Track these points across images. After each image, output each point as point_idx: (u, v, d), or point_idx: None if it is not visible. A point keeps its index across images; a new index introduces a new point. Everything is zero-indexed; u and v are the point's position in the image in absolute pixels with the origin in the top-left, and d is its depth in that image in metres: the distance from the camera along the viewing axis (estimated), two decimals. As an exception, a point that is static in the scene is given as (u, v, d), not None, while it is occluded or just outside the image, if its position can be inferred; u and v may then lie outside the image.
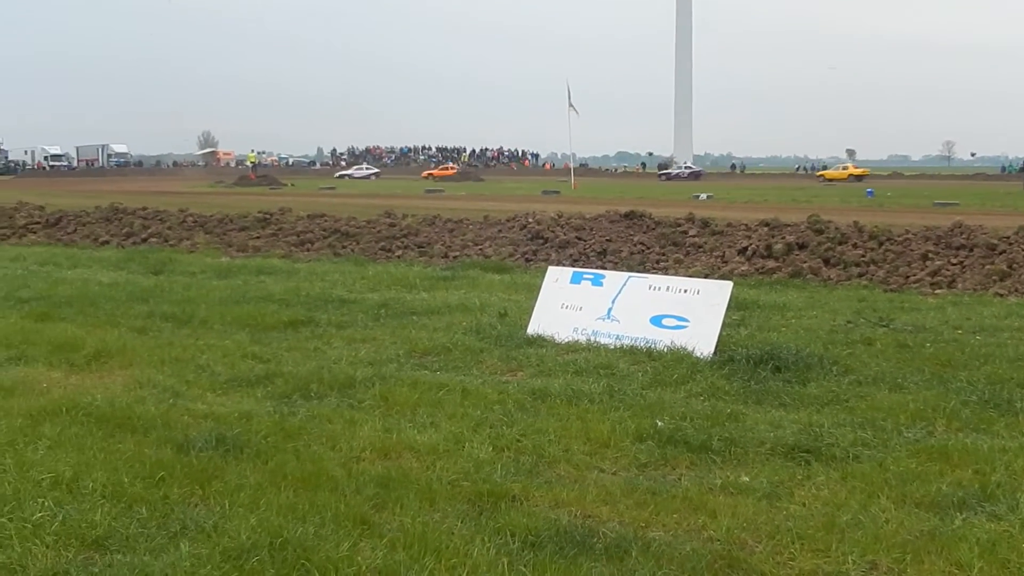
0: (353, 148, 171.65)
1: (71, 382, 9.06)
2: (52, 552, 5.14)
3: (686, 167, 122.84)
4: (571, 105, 74.18)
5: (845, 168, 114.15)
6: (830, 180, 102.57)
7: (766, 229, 19.49)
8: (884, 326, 11.52)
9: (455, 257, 19.75)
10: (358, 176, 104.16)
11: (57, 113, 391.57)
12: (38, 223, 27.14)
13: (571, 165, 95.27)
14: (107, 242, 23.77)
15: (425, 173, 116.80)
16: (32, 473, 6.27)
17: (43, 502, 5.73)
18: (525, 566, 4.97)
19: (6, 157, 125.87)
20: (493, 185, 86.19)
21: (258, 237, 23.39)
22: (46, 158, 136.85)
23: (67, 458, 6.57)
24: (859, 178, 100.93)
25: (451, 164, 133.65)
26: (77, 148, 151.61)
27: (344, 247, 21.57)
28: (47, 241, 24.51)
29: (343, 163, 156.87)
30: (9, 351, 10.21)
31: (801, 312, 12.70)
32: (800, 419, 7.59)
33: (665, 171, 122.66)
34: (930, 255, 17.15)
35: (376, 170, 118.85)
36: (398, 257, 20.13)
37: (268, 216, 25.62)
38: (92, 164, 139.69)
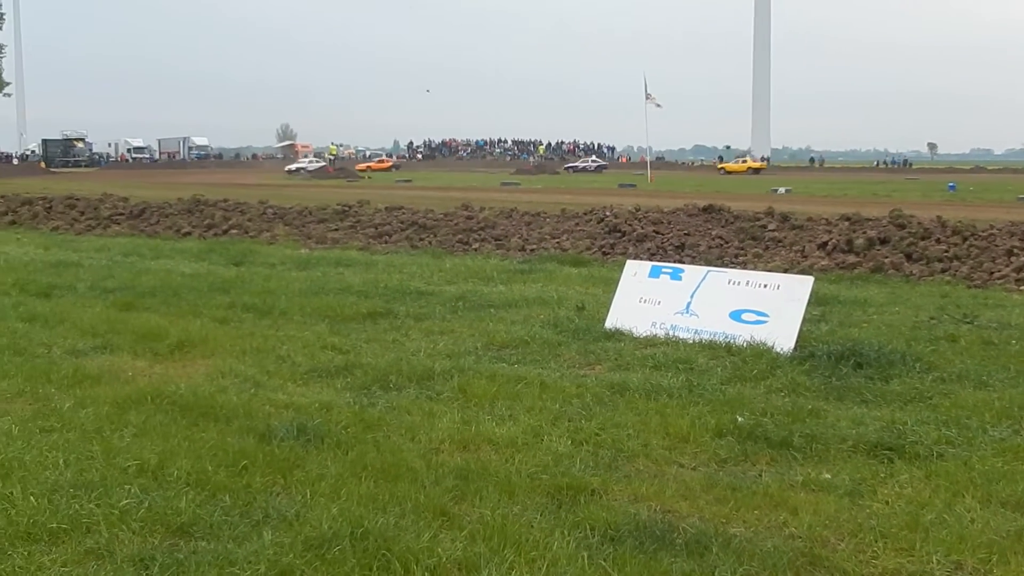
0: (429, 141, 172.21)
1: (155, 371, 9.20)
2: (138, 538, 5.22)
3: (592, 161, 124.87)
4: (649, 96, 73.65)
5: (744, 161, 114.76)
6: (730, 172, 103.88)
7: (847, 224, 19.28)
8: (968, 323, 11.33)
9: (532, 250, 19.76)
10: (311, 169, 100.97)
11: (140, 107, 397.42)
12: (122, 214, 27.67)
13: (648, 158, 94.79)
14: (189, 233, 24.10)
15: (360, 166, 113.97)
16: (118, 460, 6.39)
17: (129, 489, 5.83)
18: (605, 560, 4.95)
19: (91, 150, 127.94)
20: (569, 178, 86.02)
21: (336, 229, 23.59)
22: (129, 150, 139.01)
23: (152, 446, 6.68)
24: (756, 171, 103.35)
25: (386, 157, 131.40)
26: (159, 141, 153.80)
27: (421, 239, 21.67)
28: (131, 232, 24.90)
29: (418, 156, 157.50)
30: (95, 340, 10.40)
31: (883, 308, 12.53)
32: (882, 416, 7.49)
33: (572, 164, 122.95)
34: (1015, 251, 16.84)
35: (322, 164, 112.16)
36: (475, 250, 20.17)
37: (347, 208, 25.87)
38: (173, 156, 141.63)
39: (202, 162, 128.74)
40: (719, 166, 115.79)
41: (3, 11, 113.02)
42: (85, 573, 4.84)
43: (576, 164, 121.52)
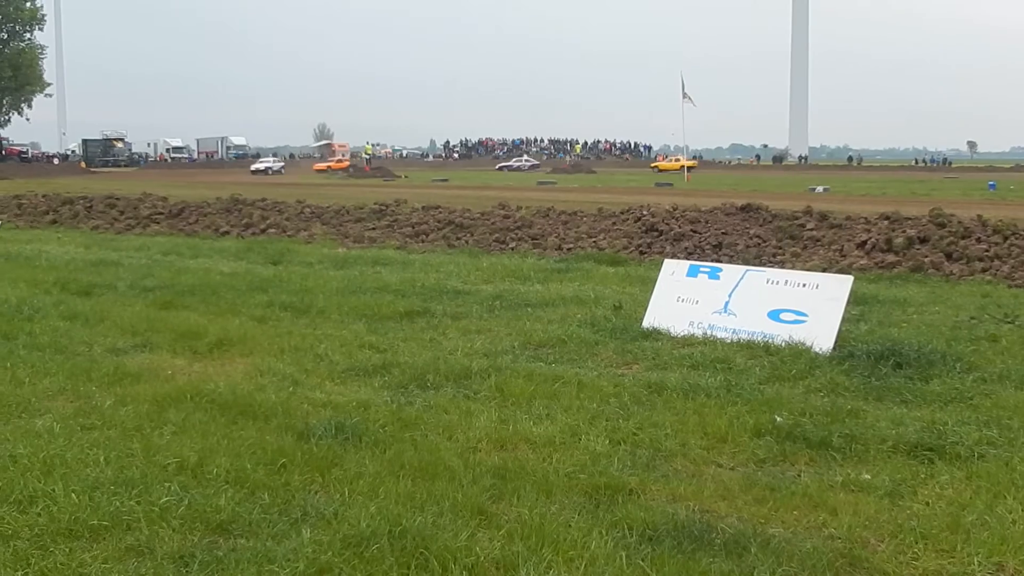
0: (466, 140, 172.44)
1: (194, 369, 9.26)
2: (178, 535, 5.26)
3: (526, 161, 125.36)
4: (685, 95, 73.40)
5: (677, 159, 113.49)
6: (663, 170, 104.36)
7: (886, 223, 19.12)
8: (1009, 322, 11.22)
9: (569, 249, 19.73)
10: (261, 168, 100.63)
11: (179, 107, 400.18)
12: (161, 213, 27.87)
13: (684, 158, 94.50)
14: (227, 232, 24.23)
15: (316, 167, 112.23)
16: (158, 457, 6.43)
17: (169, 486, 5.87)
18: (643, 560, 4.94)
19: (130, 149, 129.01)
20: (605, 177, 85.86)
21: (374, 228, 23.64)
22: (168, 150, 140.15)
23: (192, 443, 6.72)
24: (690, 169, 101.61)
25: (343, 157, 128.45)
26: (197, 140, 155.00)
27: (458, 239, 21.68)
28: (170, 231, 25.08)
29: (455, 155, 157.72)
30: (135, 338, 10.48)
31: (922, 307, 12.44)
32: (923, 417, 7.43)
33: (506, 164, 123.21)
34: (1058, 250, 16.65)
35: (282, 164, 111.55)
36: (512, 249, 20.16)
37: (384, 207, 25.91)
38: (211, 156, 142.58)
39: (240, 161, 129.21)
40: (652, 165, 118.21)
41: (44, 13, 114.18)
42: (126, 570, 4.87)
43: (511, 163, 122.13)
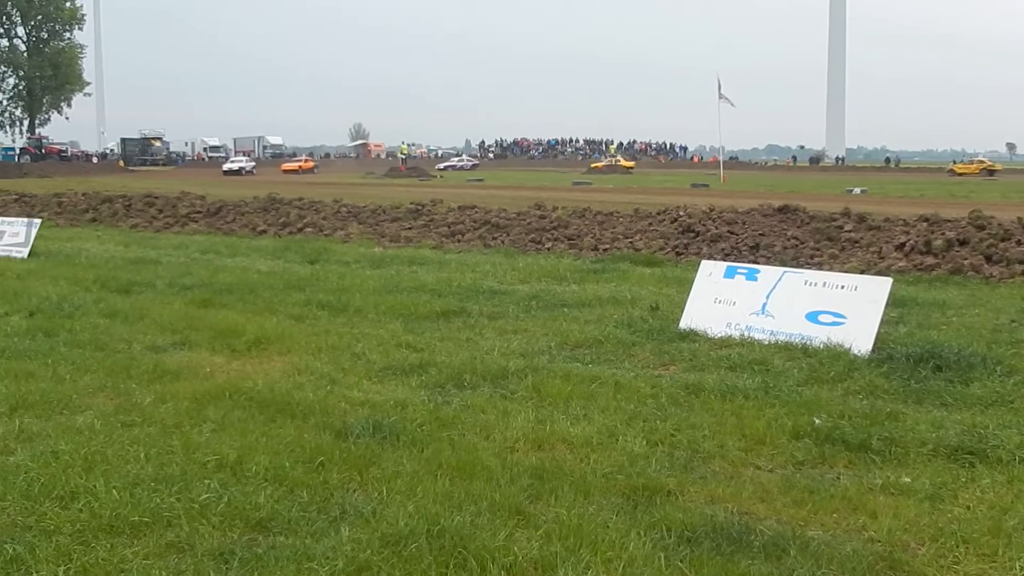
0: (501, 140, 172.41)
1: (233, 367, 9.32)
2: (218, 532, 5.29)
3: (468, 158, 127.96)
4: (722, 96, 73.22)
5: (617, 161, 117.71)
6: (598, 169, 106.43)
7: (925, 225, 18.99)
8: (1051, 326, 11.12)
9: (605, 250, 19.69)
10: (234, 168, 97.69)
11: (216, 106, 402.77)
12: (199, 212, 28.09)
13: (720, 158, 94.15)
14: (264, 231, 24.37)
15: (284, 167, 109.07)
16: (198, 455, 6.48)
17: (209, 483, 5.92)
18: (682, 561, 4.93)
19: (168, 148, 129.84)
20: (641, 178, 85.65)
21: (410, 228, 23.71)
22: (205, 149, 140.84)
23: (231, 441, 6.77)
24: (628, 170, 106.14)
25: (308, 157, 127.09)
26: (234, 140, 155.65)
27: (494, 238, 21.70)
28: (208, 230, 25.26)
29: (490, 155, 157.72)
30: (174, 336, 10.56)
31: (962, 310, 12.34)
32: (963, 420, 7.38)
33: (449, 163, 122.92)
34: (1099, 253, 16.48)
35: (253, 163, 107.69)
36: (548, 249, 20.16)
37: (420, 207, 25.99)
38: (249, 155, 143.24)
39: (276, 160, 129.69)
40: (592, 165, 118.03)
41: (84, 13, 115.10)
42: (166, 566, 4.90)
43: (452, 163, 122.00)
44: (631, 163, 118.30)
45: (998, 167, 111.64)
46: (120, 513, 5.45)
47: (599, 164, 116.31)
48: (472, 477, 6.11)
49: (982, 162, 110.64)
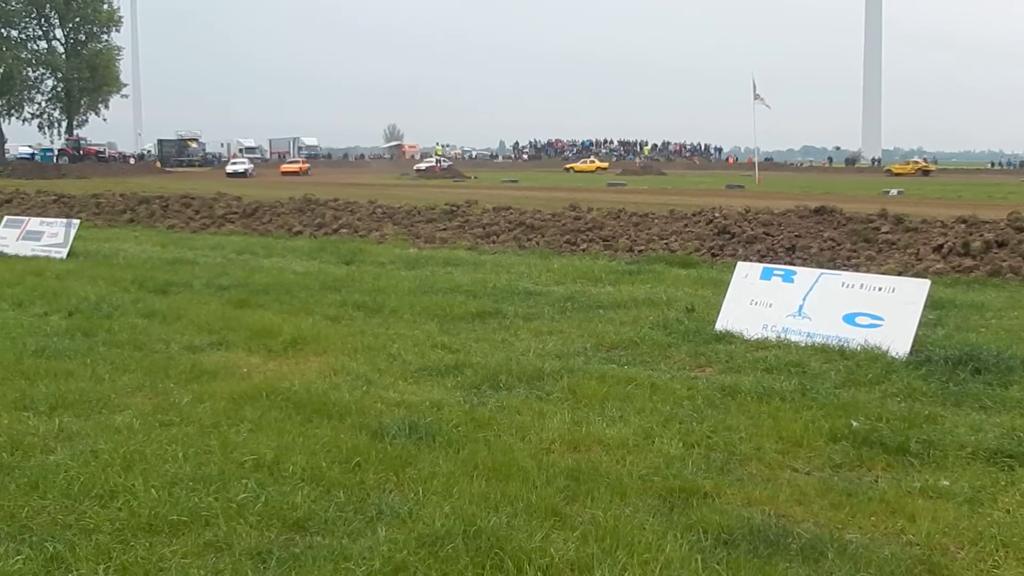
0: (535, 141, 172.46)
1: (269, 367, 9.36)
2: (255, 532, 5.32)
3: (445, 159, 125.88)
4: (757, 97, 73.03)
5: (592, 161, 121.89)
6: (579, 172, 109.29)
7: (963, 226, 18.85)
8: (1092, 328, 11.00)
9: (640, 251, 19.65)
10: (239, 170, 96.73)
11: (251, 108, 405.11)
12: (236, 213, 28.24)
13: (755, 159, 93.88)
14: (300, 232, 24.47)
15: (283, 168, 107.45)
16: (235, 455, 6.52)
17: (246, 483, 5.95)
18: (719, 564, 4.92)
19: (204, 150, 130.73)
20: (676, 179, 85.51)
21: (445, 229, 23.74)
22: (241, 150, 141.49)
23: (268, 441, 6.80)
24: (603, 169, 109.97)
25: (301, 159, 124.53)
26: (270, 141, 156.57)
27: (529, 240, 21.70)
28: (244, 231, 25.39)
29: (524, 156, 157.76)
30: (211, 336, 10.62)
31: (1001, 313, 12.24)
32: (1002, 423, 7.31)
33: (424, 166, 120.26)
34: None
35: (250, 165, 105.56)
36: (583, 250, 20.13)
37: (455, 208, 26.02)
38: (284, 156, 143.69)
39: (312, 161, 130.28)
40: (566, 167, 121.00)
41: (121, 15, 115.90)
42: (205, 565, 4.93)
43: (421, 166, 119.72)
44: (605, 163, 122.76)
45: (932, 167, 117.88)
46: (159, 512, 5.48)
47: (575, 165, 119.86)
48: (508, 478, 6.11)
49: (917, 163, 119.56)
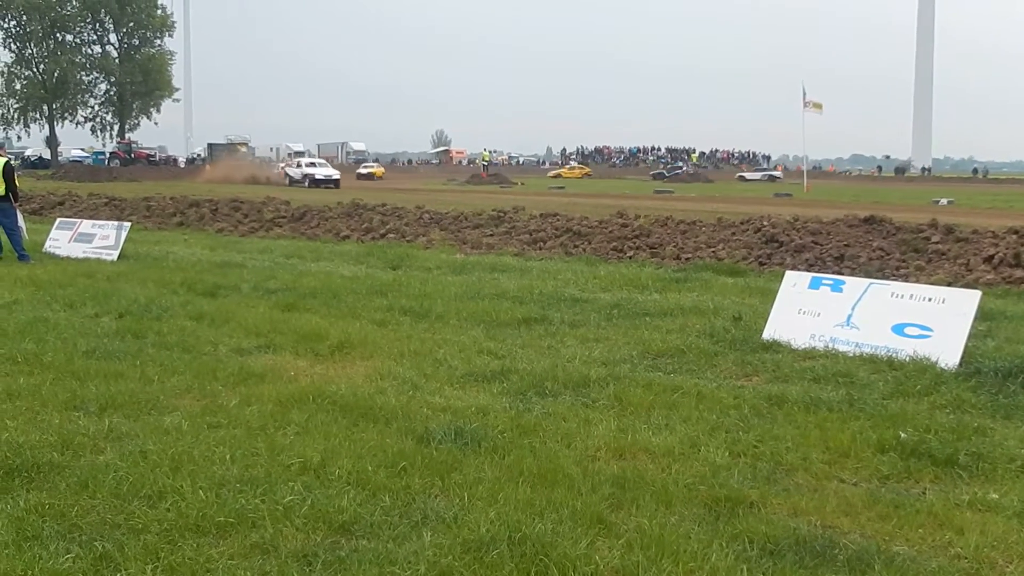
0: (582, 148, 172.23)
1: (316, 371, 9.42)
2: (301, 534, 5.36)
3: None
4: (807, 103, 72.52)
5: (573, 168, 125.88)
6: (565, 176, 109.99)
7: (1015, 237, 18.63)
8: None
9: (687, 259, 19.58)
10: (323, 177, 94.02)
11: (301, 112, 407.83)
12: (284, 217, 28.44)
13: (804, 167, 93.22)
14: (347, 236, 24.60)
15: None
16: (282, 457, 6.56)
17: (293, 486, 5.99)
18: (764, 574, 4.91)
19: (253, 154, 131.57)
20: (723, 186, 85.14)
21: (492, 235, 23.77)
22: (290, 155, 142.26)
23: (315, 444, 6.84)
24: (587, 175, 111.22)
25: (377, 163, 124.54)
26: (318, 145, 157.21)
27: (576, 246, 21.68)
28: (292, 234, 25.53)
29: (571, 163, 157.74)
30: (259, 339, 10.70)
31: (1053, 325, 12.09)
32: (1053, 437, 7.24)
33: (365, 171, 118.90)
34: None
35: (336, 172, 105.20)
36: (629, 258, 20.08)
37: (502, 214, 26.06)
38: (332, 161, 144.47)
39: (355, 166, 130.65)
40: (552, 174, 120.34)
41: (174, 20, 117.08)
42: (251, 567, 4.97)
43: (361, 171, 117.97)
44: (586, 168, 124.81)
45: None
46: (206, 513, 5.53)
47: (562, 171, 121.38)
48: (553, 485, 6.12)
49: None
